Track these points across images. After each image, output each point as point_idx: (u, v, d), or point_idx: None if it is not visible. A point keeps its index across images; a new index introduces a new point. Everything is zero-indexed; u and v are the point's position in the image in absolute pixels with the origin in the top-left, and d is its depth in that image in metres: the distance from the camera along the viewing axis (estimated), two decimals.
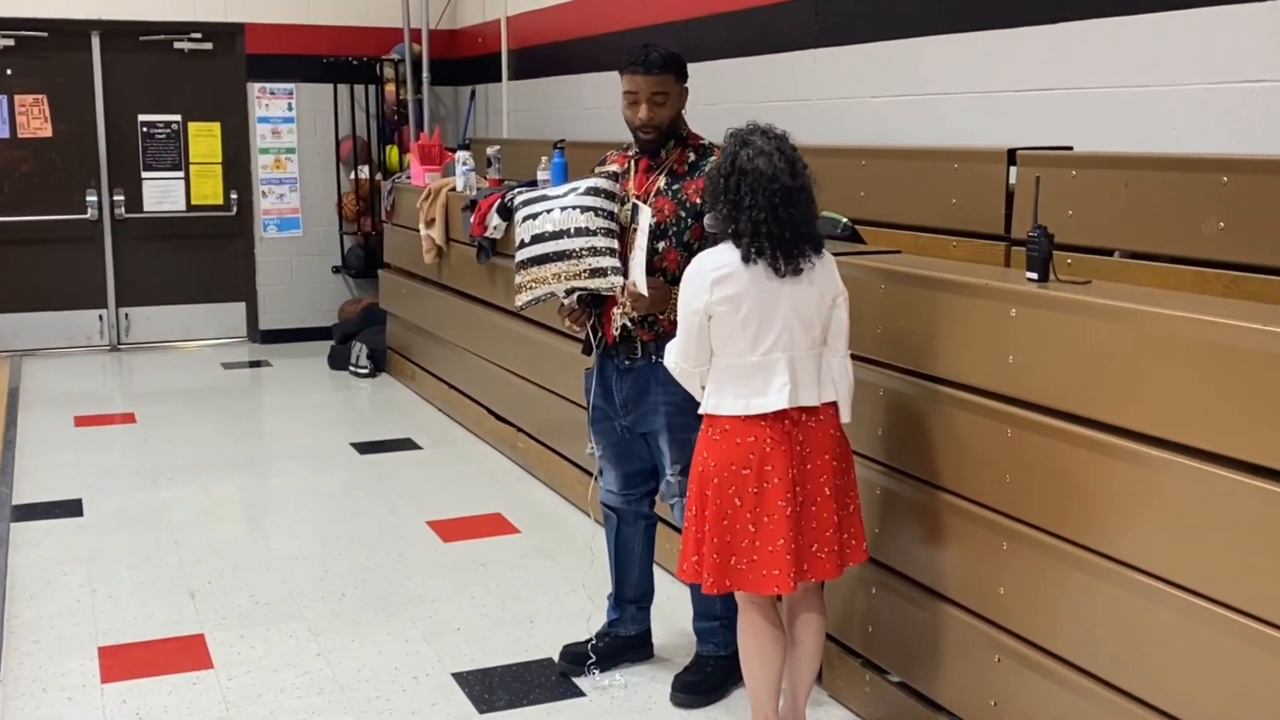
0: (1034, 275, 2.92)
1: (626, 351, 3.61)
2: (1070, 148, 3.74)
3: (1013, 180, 3.72)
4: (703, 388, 3.09)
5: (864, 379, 3.36)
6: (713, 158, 3.53)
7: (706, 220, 3.31)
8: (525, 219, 3.62)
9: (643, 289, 3.43)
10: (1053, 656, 2.81)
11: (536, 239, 3.56)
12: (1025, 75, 4.12)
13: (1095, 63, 3.84)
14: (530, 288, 3.58)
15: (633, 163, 3.66)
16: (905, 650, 3.32)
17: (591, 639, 3.88)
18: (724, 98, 5.68)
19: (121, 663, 3.90)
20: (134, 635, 4.11)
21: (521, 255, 3.60)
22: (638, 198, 3.55)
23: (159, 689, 3.72)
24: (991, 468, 2.95)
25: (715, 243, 3.19)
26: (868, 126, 4.85)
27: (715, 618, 3.70)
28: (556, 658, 3.88)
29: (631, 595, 3.91)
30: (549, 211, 3.55)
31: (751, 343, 2.98)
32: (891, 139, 4.68)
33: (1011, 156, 3.71)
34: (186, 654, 3.97)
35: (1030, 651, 2.87)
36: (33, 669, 3.84)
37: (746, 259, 2.96)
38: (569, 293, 3.57)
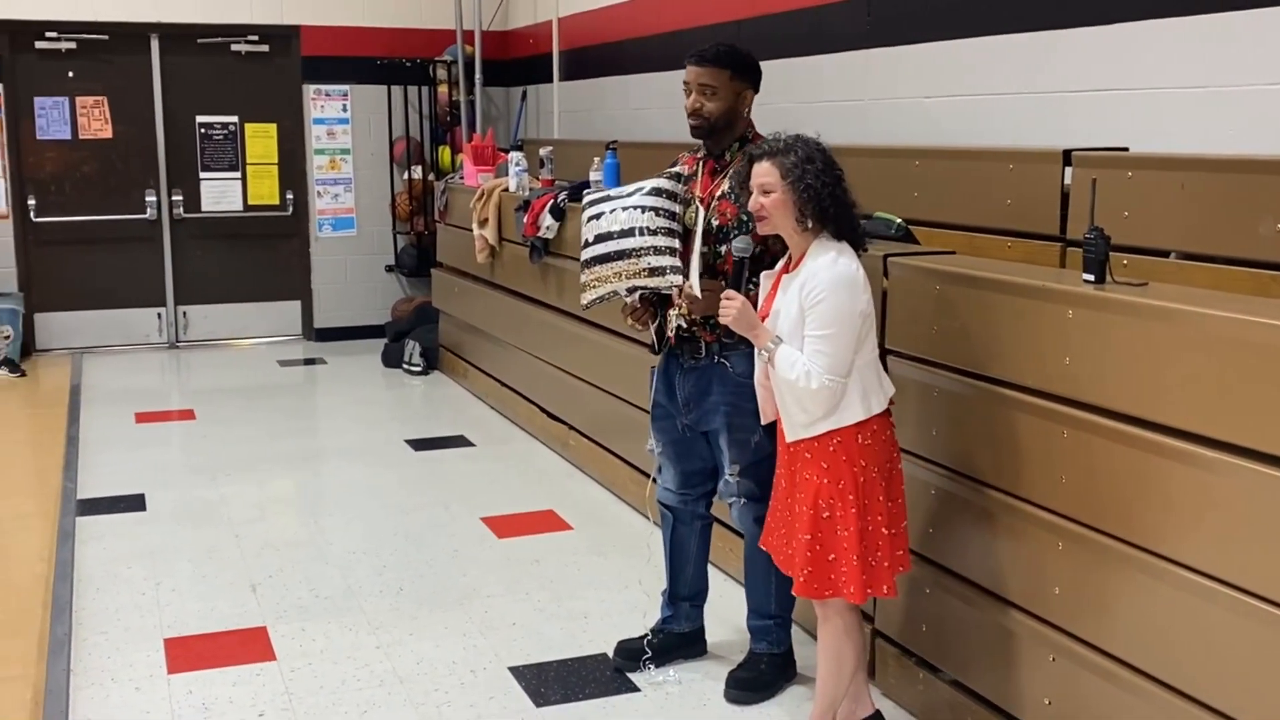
0: (1090, 277, 2.92)
1: (690, 351, 3.65)
2: (1126, 149, 3.74)
3: (1068, 181, 3.72)
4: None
5: (919, 379, 3.40)
6: None
7: (736, 244, 3.36)
8: (590, 219, 3.67)
9: (697, 291, 3.47)
10: (1108, 656, 2.82)
11: (600, 238, 3.61)
12: (1082, 75, 4.11)
13: (1152, 63, 3.84)
14: (594, 286, 3.64)
15: (700, 165, 3.70)
16: (959, 649, 3.33)
17: (646, 635, 3.93)
18: (775, 98, 5.68)
19: (186, 654, 3.99)
20: (198, 627, 4.20)
21: (586, 254, 3.65)
22: (701, 200, 3.60)
23: (223, 680, 3.81)
24: (1047, 468, 2.97)
25: (741, 266, 3.32)
26: (921, 127, 4.86)
27: (770, 616, 3.73)
28: (611, 653, 3.93)
29: (686, 593, 3.96)
30: (612, 211, 3.60)
31: (874, 338, 3.11)
32: (945, 139, 4.69)
33: (1067, 157, 3.71)
34: (249, 646, 4.05)
35: (1085, 651, 2.88)
36: (101, 660, 3.94)
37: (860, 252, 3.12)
38: (630, 291, 3.61)
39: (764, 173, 3.11)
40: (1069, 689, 2.94)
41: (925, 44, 4.86)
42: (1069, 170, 3.71)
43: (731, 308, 3.18)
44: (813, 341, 3.02)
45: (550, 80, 8.58)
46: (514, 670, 3.86)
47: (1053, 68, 4.23)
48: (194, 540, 5.06)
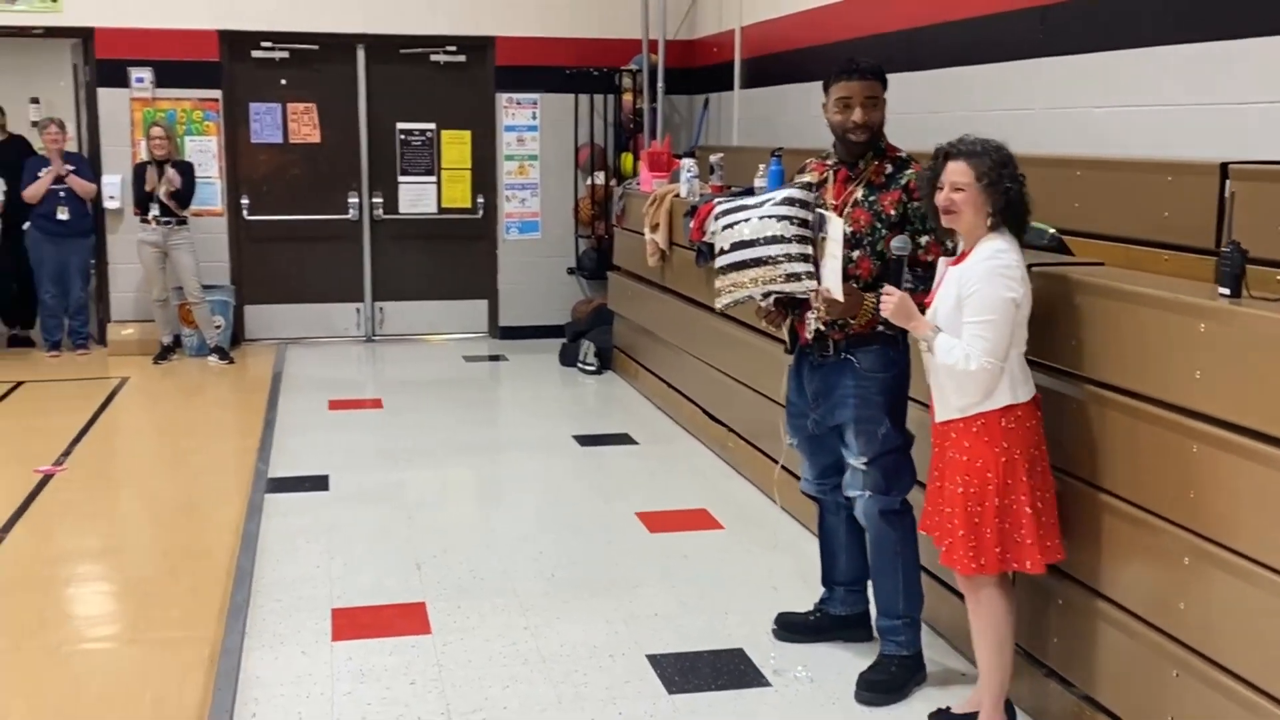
0: (1226, 291, 2.89)
1: (820, 349, 3.78)
2: None
3: (1226, 194, 3.64)
4: None
5: (1056, 389, 3.39)
6: (909, 170, 3.67)
7: (895, 243, 3.46)
8: (724, 227, 3.81)
9: (838, 294, 3.55)
10: (1232, 675, 2.78)
11: (736, 246, 3.74)
12: (1249, 87, 4.00)
13: None
14: (729, 291, 3.77)
15: (831, 173, 3.79)
16: (1087, 661, 3.31)
17: (810, 610, 4.11)
18: (948, 106, 5.71)
19: (351, 624, 4.27)
20: (364, 600, 4.49)
21: (721, 261, 3.79)
22: (835, 207, 3.68)
23: (381, 649, 4.07)
24: (1176, 482, 2.94)
25: (899, 264, 3.42)
26: (1089, 137, 4.79)
27: (899, 616, 3.78)
28: (772, 624, 4.13)
29: (841, 578, 4.09)
30: (747, 220, 3.72)
31: (1025, 333, 3.23)
32: (1112, 150, 4.61)
33: (1224, 170, 3.64)
34: (409, 619, 4.31)
35: (1209, 669, 2.85)
36: (273, 625, 4.25)
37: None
38: (765, 296, 3.74)
39: (959, 171, 3.27)
40: (1192, 706, 2.90)
41: (1098, 53, 4.79)
42: (1227, 183, 3.63)
43: (890, 302, 3.40)
44: (971, 327, 3.20)
45: (732, 88, 8.71)
46: (651, 658, 4.00)
47: (1225, 78, 4.13)
48: (369, 520, 5.38)
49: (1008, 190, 3.21)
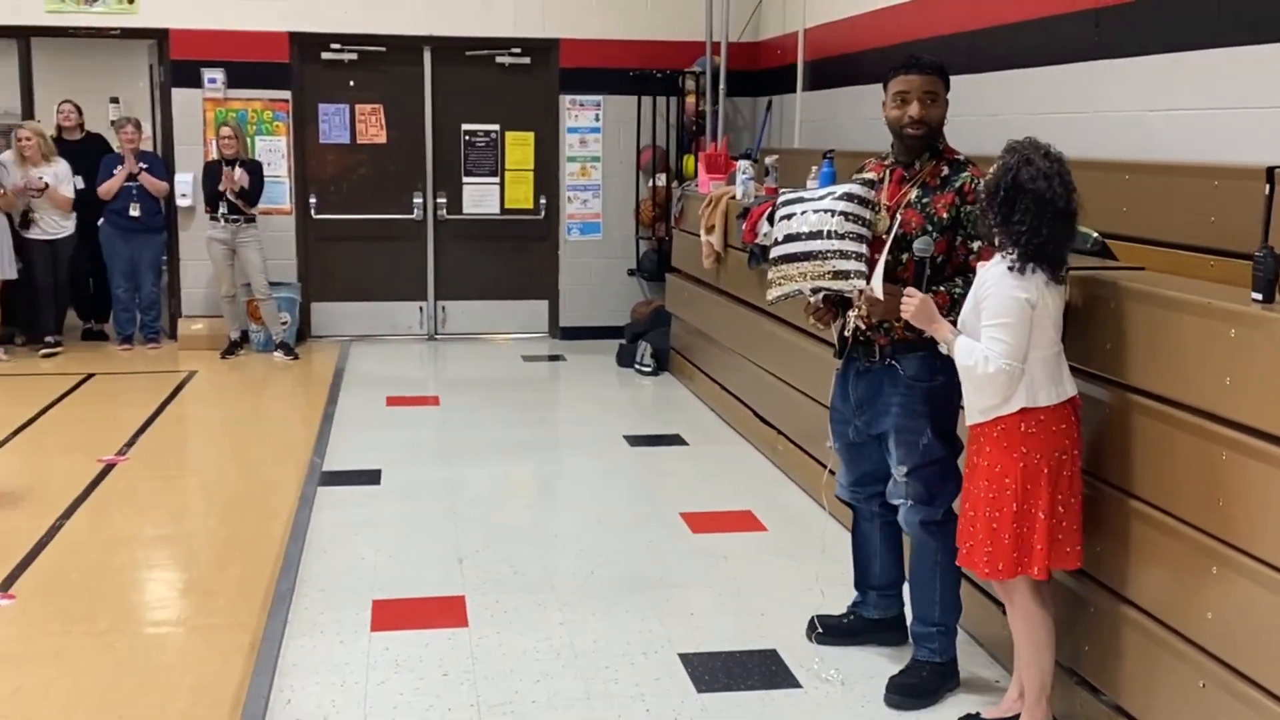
0: (1259, 296, 2.83)
1: (865, 354, 3.74)
2: None
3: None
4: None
5: (1090, 393, 3.35)
6: (965, 173, 3.61)
7: (917, 244, 3.46)
8: (781, 219, 3.80)
9: (878, 293, 3.54)
10: (1257, 687, 2.73)
11: (789, 238, 3.73)
12: None
13: None
14: (779, 284, 3.77)
15: (888, 173, 3.76)
16: (1116, 669, 3.27)
17: (844, 614, 4.12)
18: (1006, 108, 5.65)
19: (390, 615, 4.33)
20: (404, 592, 4.55)
21: (775, 253, 3.79)
22: (888, 208, 3.66)
23: (418, 641, 4.12)
24: (1204, 489, 2.89)
25: (922, 266, 3.45)
26: (1140, 140, 4.72)
27: (934, 624, 3.75)
28: (805, 627, 4.14)
29: (874, 583, 4.08)
30: (803, 213, 3.72)
31: (1053, 334, 3.19)
32: (1162, 154, 4.54)
33: (1270, 174, 3.56)
34: (447, 612, 4.37)
35: (1234, 679, 2.80)
36: (315, 614, 4.33)
37: (1012, 269, 3.16)
38: (814, 292, 3.72)
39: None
40: (1218, 717, 2.85)
41: (1150, 56, 4.71)
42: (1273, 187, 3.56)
43: (910, 303, 3.41)
44: (988, 330, 3.19)
45: (794, 90, 8.69)
46: (682, 656, 4.01)
47: (1277, 82, 4.05)
48: (417, 514, 5.45)
49: (1015, 223, 3.14)
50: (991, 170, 3.27)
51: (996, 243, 3.24)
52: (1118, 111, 4.88)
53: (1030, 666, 3.34)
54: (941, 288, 3.56)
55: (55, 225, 8.78)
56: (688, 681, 3.84)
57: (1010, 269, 3.16)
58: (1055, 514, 3.20)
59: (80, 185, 8.89)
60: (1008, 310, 3.15)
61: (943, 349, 3.37)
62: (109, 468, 6.04)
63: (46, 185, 8.55)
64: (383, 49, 9.53)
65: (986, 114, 5.73)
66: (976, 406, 3.28)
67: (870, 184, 3.75)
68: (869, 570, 4.08)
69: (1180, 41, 4.51)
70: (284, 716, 3.60)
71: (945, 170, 3.66)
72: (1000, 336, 3.16)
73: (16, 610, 4.34)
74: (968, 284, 3.49)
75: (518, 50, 9.69)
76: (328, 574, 4.71)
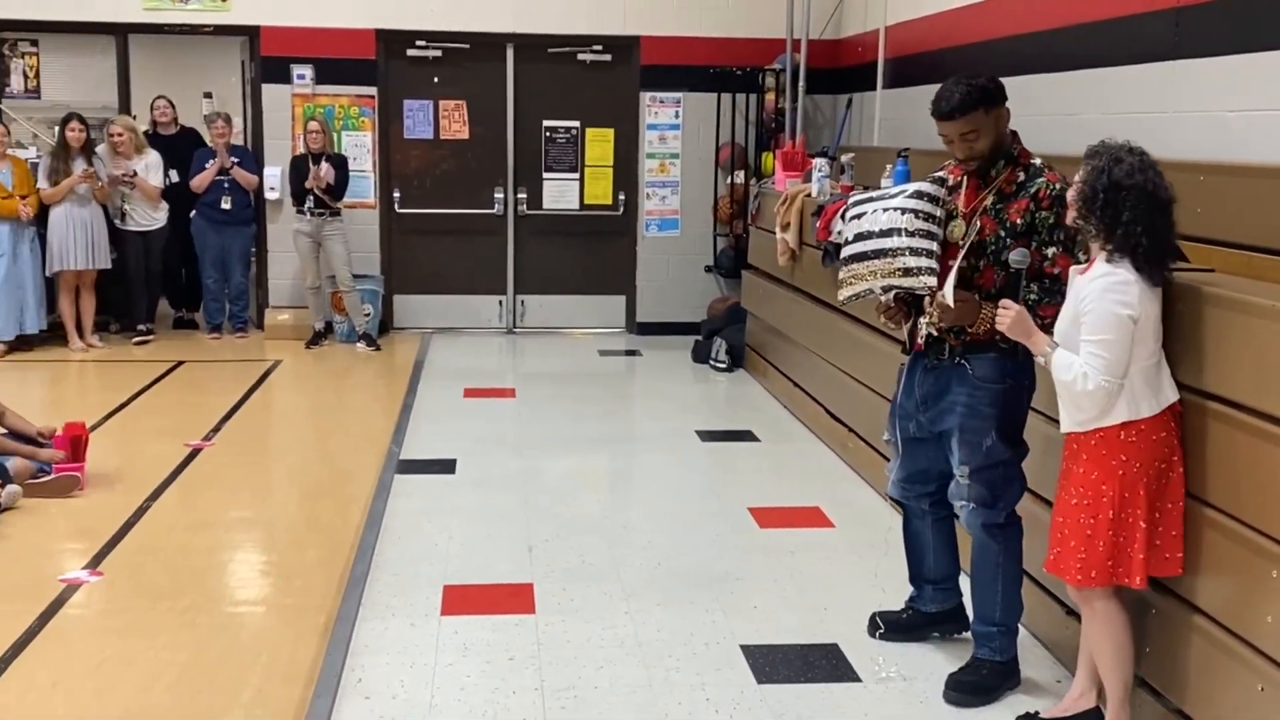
0: None
1: (935, 352, 3.75)
2: None
3: None
4: None
5: None
6: (1041, 178, 3.58)
7: (1013, 256, 3.43)
8: (852, 218, 3.82)
9: (950, 300, 3.54)
10: None
11: (859, 237, 3.76)
12: None
13: None
14: (850, 283, 3.79)
15: (965, 178, 3.75)
16: (1177, 672, 3.26)
17: (902, 609, 4.15)
18: (1083, 108, 5.61)
19: (460, 600, 4.44)
20: (475, 578, 4.66)
21: (846, 252, 3.81)
22: (964, 215, 3.66)
23: (486, 625, 4.23)
24: (1267, 493, 2.87)
25: (1018, 277, 3.39)
26: (1220, 141, 4.66)
27: (994, 623, 3.76)
28: (867, 624, 4.16)
29: (930, 577, 4.09)
30: (874, 212, 3.74)
31: (1154, 344, 3.17)
32: (1244, 155, 4.48)
33: None
34: (515, 599, 4.46)
35: None
36: (388, 597, 4.45)
37: (1139, 270, 3.13)
38: (885, 290, 3.73)
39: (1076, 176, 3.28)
40: None
41: (1230, 56, 4.66)
42: None
43: (1007, 315, 3.36)
44: (1088, 345, 3.15)
45: (875, 88, 8.67)
46: (744, 648, 4.06)
47: None
48: (489, 503, 5.57)
49: (1125, 222, 3.11)
50: (1078, 180, 3.23)
51: (1106, 248, 3.17)
52: (1196, 112, 4.82)
53: (1113, 671, 3.31)
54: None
55: (148, 217, 9.05)
56: (748, 672, 3.90)
57: (1117, 281, 3.11)
58: (1154, 521, 3.17)
59: (174, 179, 9.16)
60: (1109, 326, 3.11)
61: (1040, 361, 3.34)
62: (196, 452, 6.25)
63: (135, 173, 8.83)
64: (466, 46, 9.67)
65: (1064, 113, 5.69)
66: (1074, 419, 3.26)
67: (942, 182, 3.75)
68: (923, 565, 4.09)
69: (1261, 41, 4.45)
70: (355, 694, 3.71)
71: (1021, 176, 3.62)
72: (1100, 353, 3.13)
73: (105, 586, 4.52)
74: (1042, 290, 3.48)
75: (599, 47, 9.78)
76: (401, 559, 4.83)
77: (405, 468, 6.09)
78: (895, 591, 4.31)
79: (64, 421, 5.78)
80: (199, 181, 9.09)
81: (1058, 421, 3.65)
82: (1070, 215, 3.31)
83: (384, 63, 9.60)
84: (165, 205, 9.10)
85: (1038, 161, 3.67)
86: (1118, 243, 3.14)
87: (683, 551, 4.99)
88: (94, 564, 4.70)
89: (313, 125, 8.96)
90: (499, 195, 9.91)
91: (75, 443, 5.65)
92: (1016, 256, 3.45)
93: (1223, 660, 3.04)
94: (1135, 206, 3.10)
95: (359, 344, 9.15)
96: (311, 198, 8.91)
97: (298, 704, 3.63)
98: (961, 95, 3.53)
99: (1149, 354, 3.17)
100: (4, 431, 5.66)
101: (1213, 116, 4.70)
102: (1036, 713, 3.56)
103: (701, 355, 8.81)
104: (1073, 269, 3.38)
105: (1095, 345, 3.13)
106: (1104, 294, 3.12)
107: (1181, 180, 4.25)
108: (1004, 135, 3.63)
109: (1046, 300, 3.46)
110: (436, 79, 9.74)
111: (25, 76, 9.69)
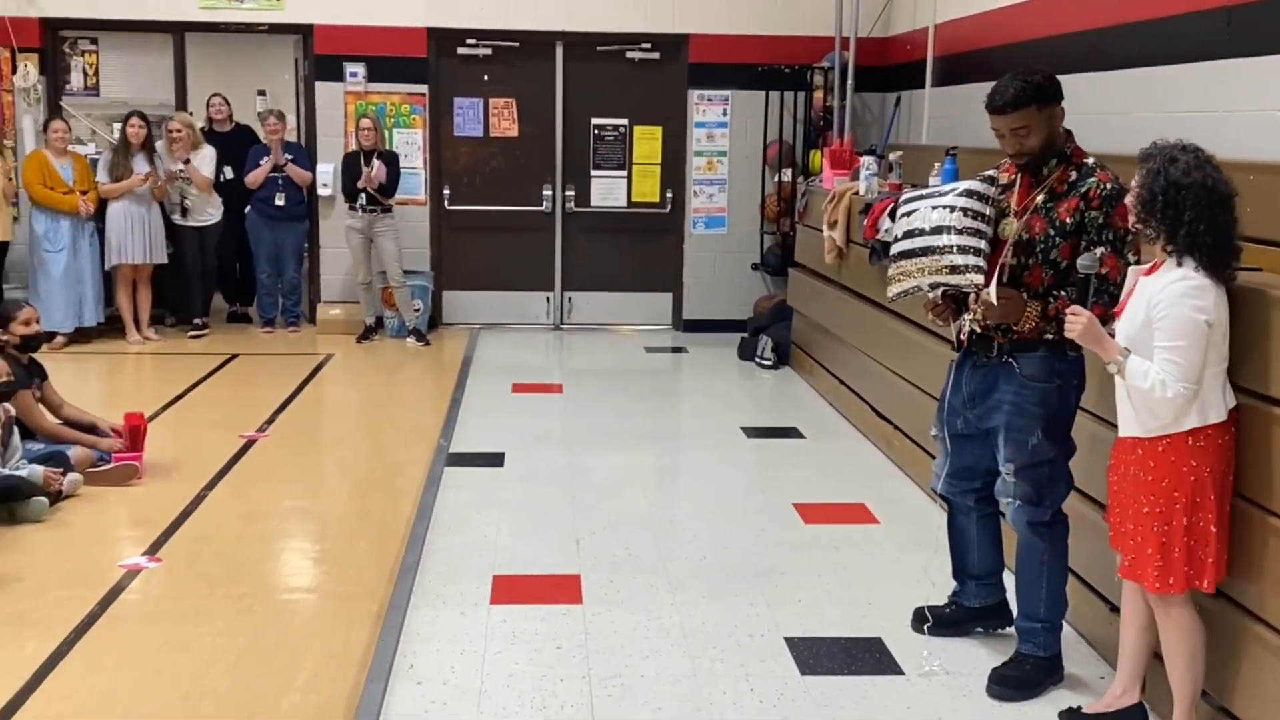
0: None
1: (983, 349, 3.77)
2: None
3: None
4: None
5: None
6: (1093, 178, 3.58)
7: (1081, 261, 3.41)
8: (902, 215, 3.85)
9: (993, 298, 3.56)
10: None
11: (909, 234, 3.78)
12: None
13: None
14: (899, 280, 3.82)
15: (1019, 176, 3.76)
16: (1226, 673, 3.26)
17: (945, 604, 4.17)
18: (1134, 106, 5.59)
19: (509, 590, 4.52)
20: (523, 569, 4.73)
21: (895, 249, 3.84)
22: (1016, 212, 3.68)
23: (534, 615, 4.30)
24: None
25: (1086, 283, 3.36)
26: (1272, 140, 4.64)
27: (1038, 619, 3.78)
28: (911, 618, 4.19)
29: (974, 573, 4.12)
30: (924, 209, 3.76)
31: (1223, 350, 3.16)
32: None
33: None
34: (562, 589, 4.53)
35: None
36: (438, 586, 4.54)
37: (1205, 269, 3.11)
38: (933, 288, 3.75)
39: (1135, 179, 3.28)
40: None
41: None
42: None
43: (1078, 323, 3.31)
44: (1163, 352, 3.12)
45: (924, 86, 8.66)
46: (789, 640, 4.11)
47: None
48: (537, 496, 5.64)
49: (1188, 222, 3.10)
50: (1134, 185, 3.21)
51: (1168, 249, 3.15)
52: (1247, 111, 4.80)
53: (1185, 676, 3.29)
54: (1063, 292, 3.56)
55: (204, 213, 9.22)
56: (792, 664, 3.94)
57: (1194, 286, 3.09)
58: (1223, 526, 3.17)
59: (229, 175, 9.32)
60: (1185, 333, 3.09)
61: (1111, 369, 3.28)
62: (250, 443, 6.37)
63: (188, 161, 8.97)
64: (516, 44, 9.76)
65: (1114, 111, 5.68)
66: (1144, 425, 3.24)
67: (993, 181, 3.77)
68: (967, 561, 4.12)
69: None
70: (406, 680, 3.80)
71: (1073, 175, 3.62)
72: (1176, 359, 3.10)
73: (163, 573, 4.64)
74: (1094, 292, 3.47)
75: (648, 45, 9.83)
76: (451, 550, 4.92)
77: (454, 461, 6.17)
78: (943, 587, 4.33)
79: (123, 412, 5.91)
80: (254, 177, 9.24)
81: (1105, 420, 3.67)
82: (1130, 220, 3.29)
83: (435, 61, 9.71)
84: (219, 200, 9.26)
85: (1090, 161, 3.67)
86: (1181, 243, 3.12)
87: (728, 545, 5.04)
88: (152, 551, 4.82)
89: (365, 122, 9.08)
90: (547, 192, 9.99)
91: (134, 432, 5.79)
92: (1085, 261, 3.40)
93: (1271, 662, 3.04)
94: (1196, 204, 3.08)
95: (409, 339, 9.27)
96: (364, 195, 9.03)
97: (351, 688, 3.72)
98: (1016, 91, 3.55)
99: (1221, 358, 3.15)
100: (60, 421, 5.81)
101: (1263, 115, 4.68)
102: (1079, 708, 3.58)
103: (747, 352, 8.85)
104: (1132, 269, 3.37)
105: (1171, 351, 3.10)
106: (1181, 299, 3.10)
107: (1233, 180, 4.28)
108: (1056, 133, 3.64)
109: (1094, 300, 3.45)
110: (486, 77, 9.84)
111: (85, 74, 9.87)
